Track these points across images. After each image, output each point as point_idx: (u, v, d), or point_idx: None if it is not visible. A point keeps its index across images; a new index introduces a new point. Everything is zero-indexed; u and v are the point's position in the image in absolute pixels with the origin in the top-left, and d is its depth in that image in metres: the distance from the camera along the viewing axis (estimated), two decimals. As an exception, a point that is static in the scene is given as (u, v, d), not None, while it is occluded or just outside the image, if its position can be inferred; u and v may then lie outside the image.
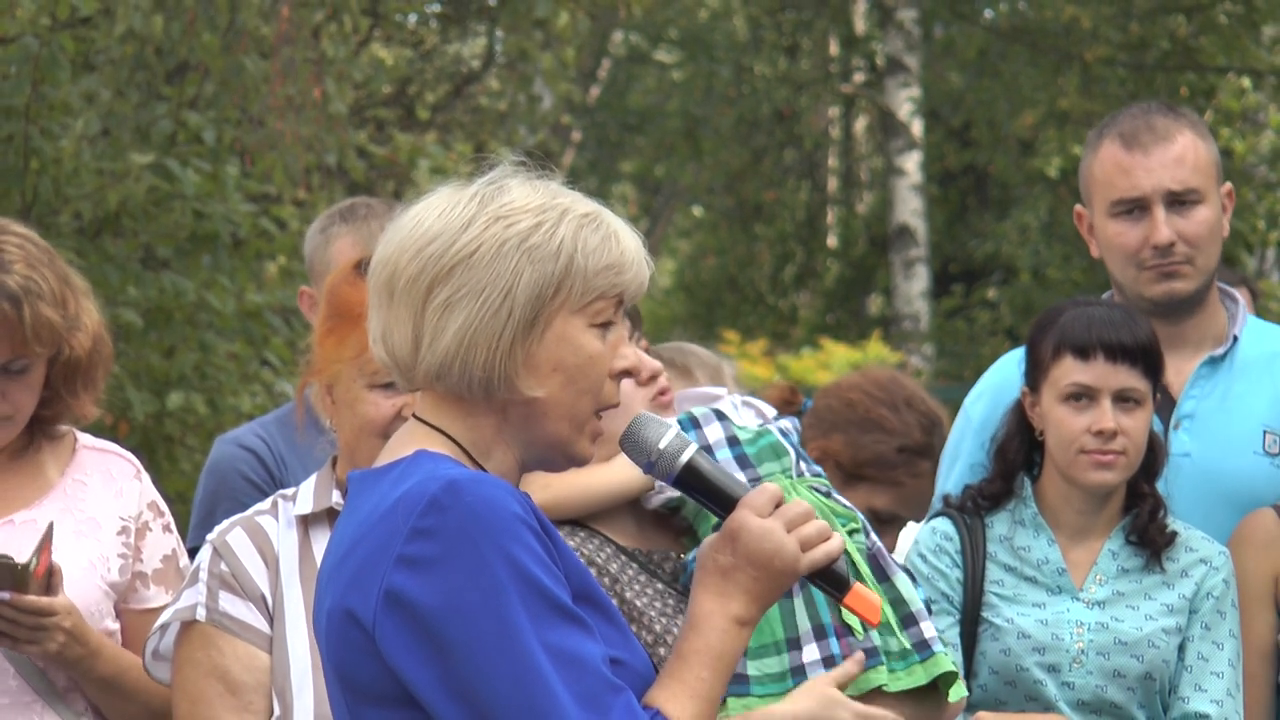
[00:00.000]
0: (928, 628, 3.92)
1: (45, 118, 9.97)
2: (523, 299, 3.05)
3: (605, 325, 3.11)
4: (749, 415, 4.11)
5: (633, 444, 3.17)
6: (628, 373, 3.15)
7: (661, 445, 3.15)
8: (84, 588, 4.33)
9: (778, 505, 3.12)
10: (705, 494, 3.17)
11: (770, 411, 4.16)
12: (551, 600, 2.96)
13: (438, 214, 3.11)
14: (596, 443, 3.15)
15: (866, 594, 3.17)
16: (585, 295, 3.09)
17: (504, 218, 3.08)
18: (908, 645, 3.87)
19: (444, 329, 3.06)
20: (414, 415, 3.15)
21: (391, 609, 2.96)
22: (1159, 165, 4.73)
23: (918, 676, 3.86)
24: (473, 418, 3.10)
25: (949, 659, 3.91)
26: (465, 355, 3.05)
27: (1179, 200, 4.74)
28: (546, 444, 3.12)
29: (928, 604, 4.00)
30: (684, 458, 3.15)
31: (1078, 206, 4.90)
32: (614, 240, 3.12)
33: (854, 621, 3.85)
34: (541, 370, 3.08)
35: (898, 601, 3.92)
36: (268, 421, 5.46)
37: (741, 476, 3.89)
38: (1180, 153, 4.75)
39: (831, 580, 3.14)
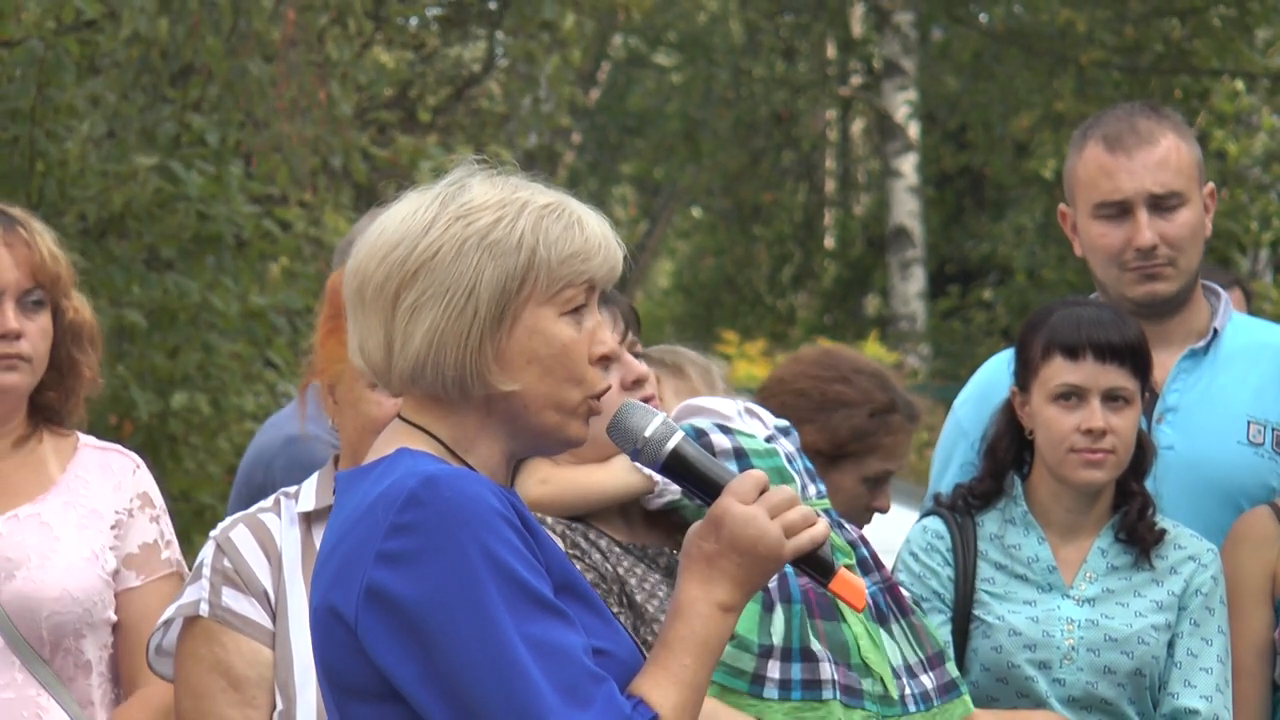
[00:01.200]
0: (952, 668, 3.94)
1: (50, 120, 9.98)
2: (487, 296, 3.03)
3: (578, 313, 3.10)
4: (755, 425, 4.11)
5: (619, 431, 3.16)
6: (608, 358, 3.13)
7: (647, 432, 3.14)
8: (85, 577, 4.36)
9: (763, 491, 3.09)
10: (692, 481, 3.16)
11: (770, 419, 4.17)
12: (530, 592, 2.94)
13: (399, 220, 3.09)
14: (591, 422, 3.14)
15: (852, 579, 3.15)
16: (552, 285, 3.06)
17: (463, 217, 3.05)
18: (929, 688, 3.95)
19: (413, 333, 3.05)
20: (398, 415, 3.15)
21: (372, 605, 2.95)
22: (1141, 168, 4.74)
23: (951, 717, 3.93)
24: (455, 415, 3.09)
25: (969, 699, 3.95)
26: (436, 357, 3.04)
27: (1161, 203, 4.75)
28: (535, 433, 3.11)
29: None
30: (670, 444, 3.14)
31: (1062, 205, 4.92)
32: (577, 228, 3.09)
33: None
34: (515, 364, 3.06)
35: (920, 641, 3.94)
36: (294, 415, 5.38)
37: None
38: (1163, 155, 4.76)
39: (816, 565, 3.13)
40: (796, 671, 3.86)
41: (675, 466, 3.16)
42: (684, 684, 3.02)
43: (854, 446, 5.05)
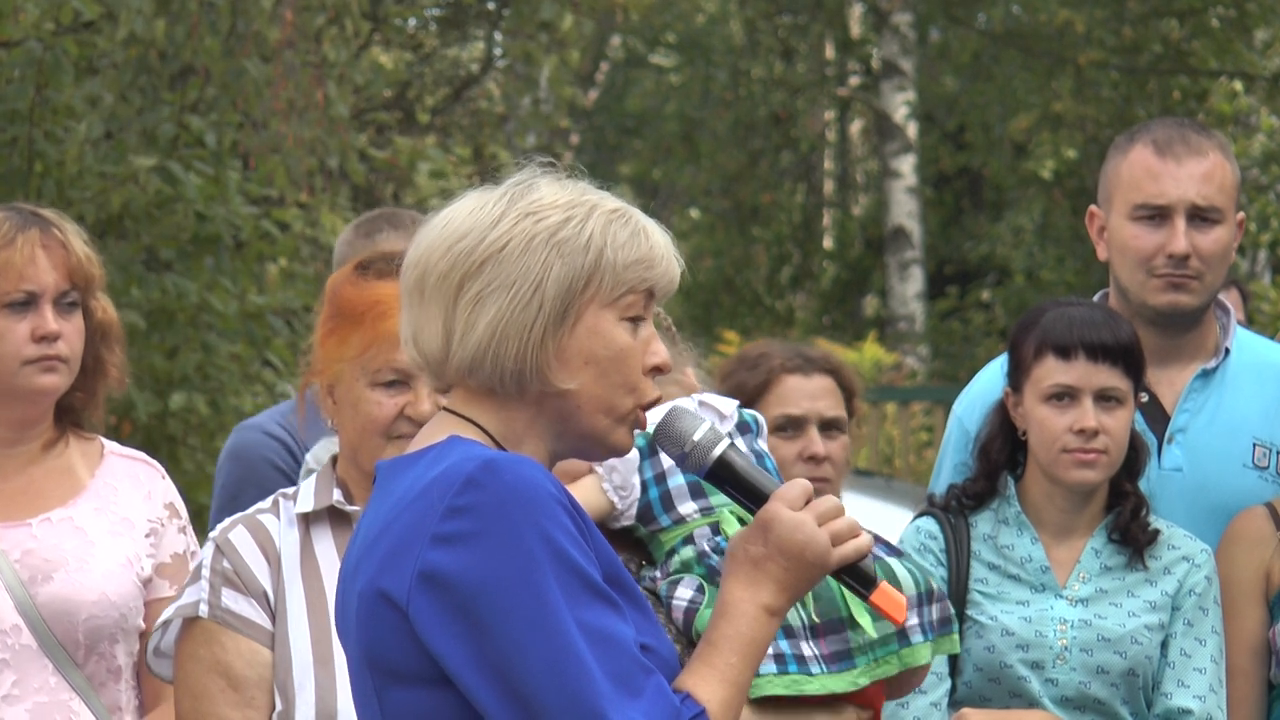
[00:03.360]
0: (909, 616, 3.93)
1: (49, 121, 10.03)
2: (553, 292, 3.06)
3: (635, 320, 3.13)
4: (710, 417, 4.09)
5: (666, 435, 3.18)
6: (660, 369, 3.15)
7: (696, 437, 3.16)
8: (120, 582, 4.37)
9: (808, 500, 3.13)
10: (737, 487, 3.18)
11: (729, 408, 4.20)
12: (586, 579, 2.97)
13: (467, 213, 3.12)
14: (635, 433, 3.16)
15: (892, 593, 3.18)
16: (615, 289, 3.09)
17: (533, 214, 3.08)
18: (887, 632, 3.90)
19: (475, 323, 3.07)
20: (443, 407, 3.17)
21: (427, 586, 2.96)
22: (1188, 177, 4.74)
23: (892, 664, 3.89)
24: (506, 410, 3.12)
25: (926, 650, 3.93)
26: (497, 348, 3.07)
27: (1200, 216, 4.74)
28: (582, 435, 3.14)
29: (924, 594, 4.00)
30: (716, 451, 3.17)
31: (1092, 207, 4.90)
32: (643, 235, 3.13)
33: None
34: (573, 363, 3.08)
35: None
36: (285, 411, 5.44)
37: (692, 505, 3.92)
38: (1210, 170, 4.76)
39: (859, 577, 3.16)
40: (785, 647, 3.87)
41: (721, 472, 3.18)
42: (729, 682, 3.06)
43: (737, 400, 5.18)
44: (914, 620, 3.90)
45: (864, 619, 3.86)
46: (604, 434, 3.14)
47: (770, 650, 3.83)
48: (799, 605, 3.85)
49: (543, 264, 3.07)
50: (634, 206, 3.20)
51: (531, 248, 3.07)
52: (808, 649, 3.86)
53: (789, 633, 3.84)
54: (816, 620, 3.84)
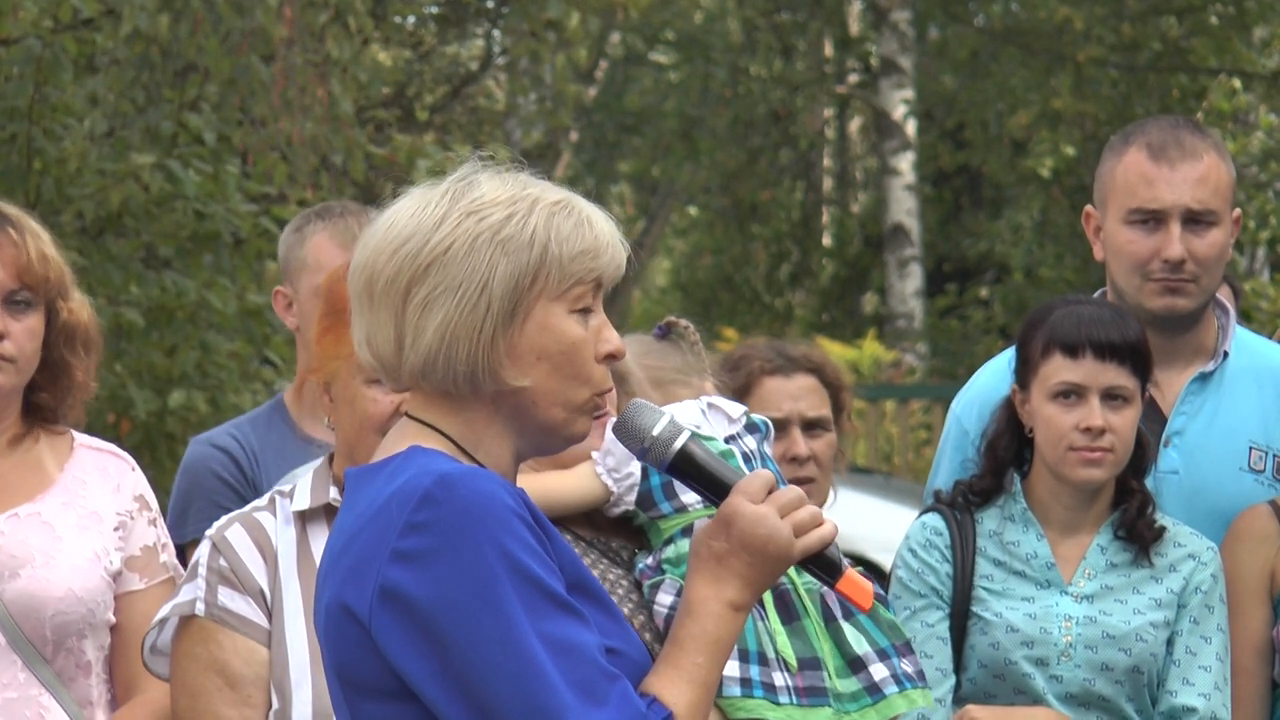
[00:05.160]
0: (878, 670, 3.95)
1: (48, 119, 10.03)
2: (500, 291, 3.06)
3: (585, 311, 3.12)
4: (718, 420, 4.08)
5: (625, 430, 3.18)
6: (614, 356, 3.15)
7: (655, 432, 3.16)
8: (87, 577, 4.37)
9: (770, 491, 3.14)
10: (699, 480, 3.18)
11: (737, 411, 4.20)
12: (545, 590, 2.97)
13: (410, 215, 3.12)
14: (600, 421, 3.17)
15: (858, 579, 3.18)
16: (563, 282, 3.09)
17: (475, 212, 3.07)
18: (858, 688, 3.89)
19: (425, 327, 3.07)
20: (406, 413, 3.17)
21: (387, 604, 2.97)
22: (1182, 182, 4.74)
23: (869, 718, 3.86)
24: (463, 412, 3.11)
25: (905, 700, 3.90)
26: (448, 351, 3.07)
27: (1195, 220, 4.74)
28: (541, 430, 3.13)
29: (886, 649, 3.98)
30: (677, 444, 3.17)
31: (1088, 207, 4.90)
32: (587, 225, 3.12)
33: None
34: (525, 360, 3.08)
35: (843, 644, 3.93)
36: (242, 422, 5.50)
37: (694, 495, 3.94)
38: (1204, 173, 4.75)
39: (824, 565, 3.16)
40: (755, 673, 3.86)
41: (682, 466, 3.18)
42: (697, 682, 3.06)
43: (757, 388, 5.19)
44: (885, 673, 3.87)
45: (833, 664, 3.84)
46: (562, 426, 3.13)
47: (738, 674, 3.83)
48: (771, 642, 3.84)
49: (488, 264, 3.06)
50: (580, 196, 3.18)
51: (476, 248, 3.06)
52: (780, 679, 3.84)
53: (763, 660, 3.83)
54: (794, 665, 3.83)
